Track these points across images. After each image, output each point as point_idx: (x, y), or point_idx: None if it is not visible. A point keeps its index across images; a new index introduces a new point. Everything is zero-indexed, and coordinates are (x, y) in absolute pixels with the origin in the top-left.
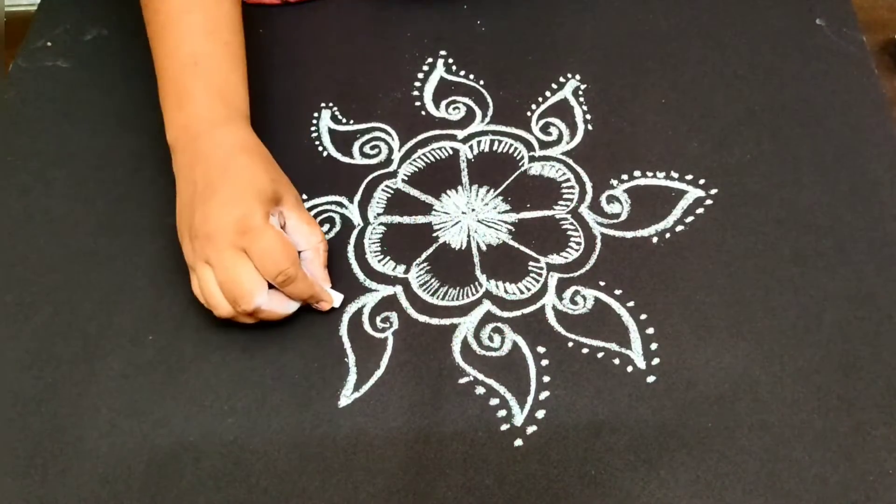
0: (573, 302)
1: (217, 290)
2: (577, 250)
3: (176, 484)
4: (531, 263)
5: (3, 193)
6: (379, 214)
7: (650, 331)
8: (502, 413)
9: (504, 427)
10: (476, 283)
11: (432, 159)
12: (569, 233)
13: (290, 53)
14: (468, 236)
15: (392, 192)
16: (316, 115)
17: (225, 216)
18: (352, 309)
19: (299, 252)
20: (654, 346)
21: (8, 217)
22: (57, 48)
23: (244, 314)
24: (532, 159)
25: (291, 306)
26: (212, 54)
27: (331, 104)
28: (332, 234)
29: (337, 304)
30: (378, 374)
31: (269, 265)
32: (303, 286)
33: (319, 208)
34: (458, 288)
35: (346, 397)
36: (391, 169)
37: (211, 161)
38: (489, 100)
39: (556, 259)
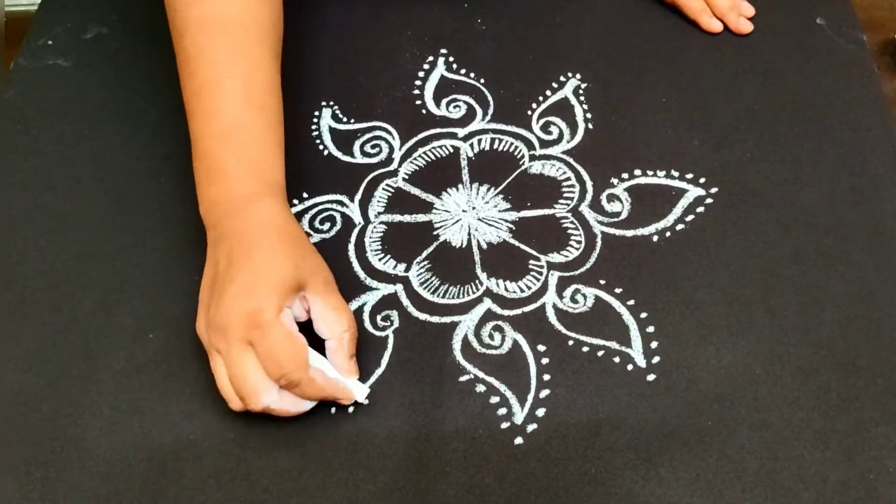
0: (573, 300)
1: (228, 382)
2: (577, 249)
3: (176, 482)
4: (531, 262)
5: (3, 192)
6: (380, 213)
7: (650, 329)
8: (503, 411)
9: (504, 425)
10: (476, 282)
11: (433, 158)
12: (569, 231)
13: (290, 52)
14: (469, 235)
15: (393, 190)
16: (317, 113)
17: (237, 308)
18: (352, 307)
19: (324, 340)
20: (654, 344)
21: (8, 216)
22: (57, 46)
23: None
24: (532, 158)
25: (305, 405)
26: (248, 124)
27: (331, 103)
28: (332, 233)
29: (361, 399)
30: (378, 372)
31: (272, 367)
32: (310, 390)
33: (320, 207)
34: (458, 286)
35: None
36: (392, 167)
37: (236, 242)
38: (490, 98)
39: (556, 257)
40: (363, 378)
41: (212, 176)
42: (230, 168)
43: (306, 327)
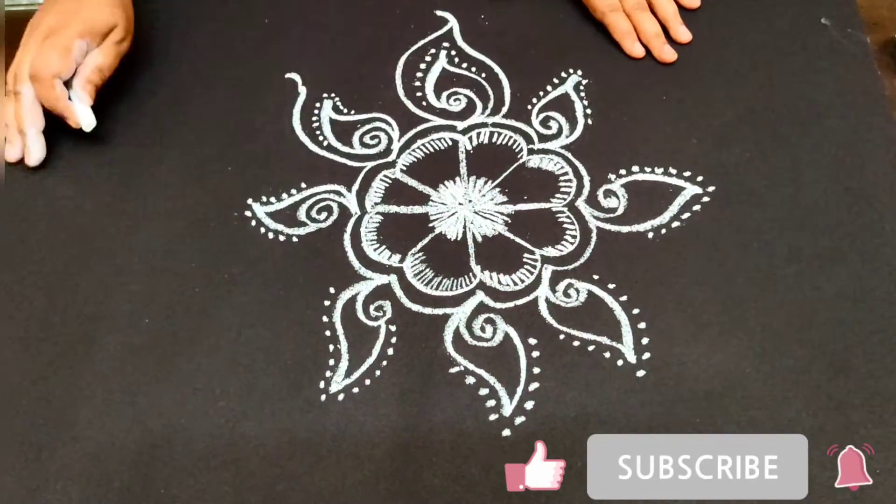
0: (566, 295)
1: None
2: (572, 243)
3: (166, 465)
4: (526, 255)
5: (4, 181)
6: (376, 203)
7: (642, 325)
8: (491, 403)
9: (493, 417)
10: (470, 274)
11: (431, 150)
12: (565, 226)
13: (292, 44)
14: (464, 227)
15: (390, 181)
16: (318, 105)
17: (48, 19)
18: (346, 296)
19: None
20: (645, 340)
21: (7, 201)
22: None
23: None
24: (531, 152)
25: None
26: None
27: (333, 94)
28: (328, 223)
29: (85, 125)
30: (370, 361)
31: (42, 61)
32: (51, 94)
33: (317, 196)
34: (452, 278)
35: (337, 384)
36: (390, 159)
37: None
38: (490, 92)
39: (550, 251)
40: (354, 367)
41: None
42: None
43: None
